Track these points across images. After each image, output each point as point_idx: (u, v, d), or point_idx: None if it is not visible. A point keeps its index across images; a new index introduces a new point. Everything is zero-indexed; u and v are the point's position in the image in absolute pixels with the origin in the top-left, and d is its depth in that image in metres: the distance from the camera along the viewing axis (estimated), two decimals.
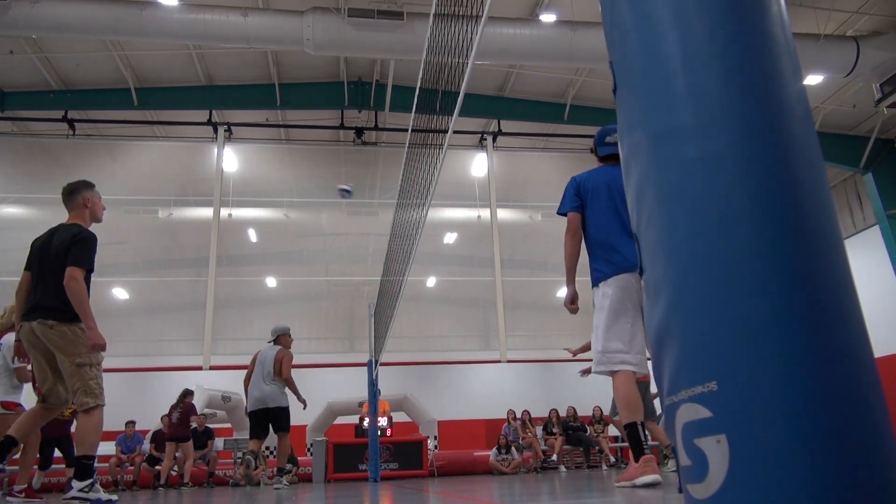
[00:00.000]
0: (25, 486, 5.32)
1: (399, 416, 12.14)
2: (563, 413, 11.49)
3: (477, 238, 16.07)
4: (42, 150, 14.92)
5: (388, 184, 15.29)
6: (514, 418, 11.47)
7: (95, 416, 3.64)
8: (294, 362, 7.04)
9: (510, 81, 14.25)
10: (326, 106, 14.49)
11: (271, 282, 15.47)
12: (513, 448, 10.66)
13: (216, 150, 15.04)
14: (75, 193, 4.04)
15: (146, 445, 10.11)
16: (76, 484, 3.58)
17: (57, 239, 3.86)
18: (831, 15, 11.17)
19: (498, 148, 15.99)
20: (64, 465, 7.76)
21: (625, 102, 0.84)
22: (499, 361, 14.42)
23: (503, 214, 15.98)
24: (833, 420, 0.60)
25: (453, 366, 14.24)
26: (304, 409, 6.95)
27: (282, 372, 6.80)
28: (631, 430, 3.09)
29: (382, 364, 8.96)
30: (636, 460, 3.05)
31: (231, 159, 15.27)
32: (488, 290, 15.20)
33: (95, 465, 3.77)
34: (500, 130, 15.32)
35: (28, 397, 4.99)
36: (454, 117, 3.62)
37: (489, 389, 13.77)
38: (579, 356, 6.75)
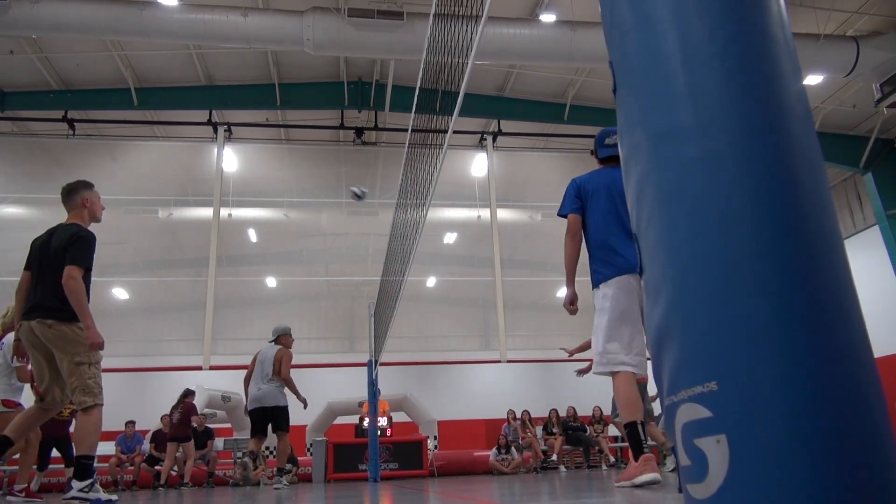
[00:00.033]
0: (25, 485, 5.33)
1: (399, 416, 12.14)
2: (562, 413, 11.49)
3: (477, 238, 16.06)
4: (42, 150, 14.92)
5: (388, 184, 15.28)
6: (514, 418, 11.47)
7: (94, 415, 3.64)
8: (294, 362, 7.04)
9: (510, 81, 14.24)
10: (326, 106, 14.49)
11: (271, 282, 15.47)
12: (513, 448, 10.66)
13: (216, 150, 15.04)
14: (74, 193, 4.05)
15: (146, 445, 10.11)
16: (76, 484, 3.58)
17: (56, 239, 3.86)
18: (831, 15, 11.17)
19: (498, 148, 15.99)
20: (63, 465, 7.76)
21: (625, 102, 0.84)
22: (499, 361, 14.42)
23: (503, 214, 15.98)
24: (833, 420, 0.60)
25: (453, 366, 14.24)
26: (305, 408, 6.95)
27: (281, 371, 6.80)
28: (631, 430, 3.10)
29: (382, 364, 8.96)
30: (636, 459, 3.06)
31: (231, 159, 15.27)
32: (488, 290, 15.20)
33: (95, 465, 3.76)
34: (500, 130, 15.32)
35: (28, 397, 4.98)
36: (454, 117, 3.62)
37: (489, 389, 13.77)
38: (576, 356, 6.74)
